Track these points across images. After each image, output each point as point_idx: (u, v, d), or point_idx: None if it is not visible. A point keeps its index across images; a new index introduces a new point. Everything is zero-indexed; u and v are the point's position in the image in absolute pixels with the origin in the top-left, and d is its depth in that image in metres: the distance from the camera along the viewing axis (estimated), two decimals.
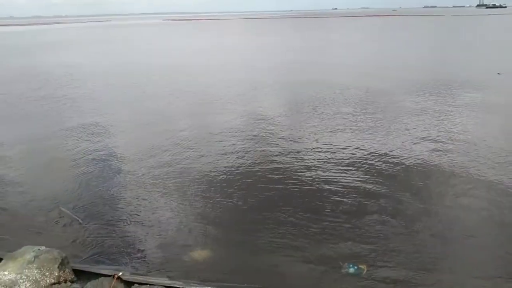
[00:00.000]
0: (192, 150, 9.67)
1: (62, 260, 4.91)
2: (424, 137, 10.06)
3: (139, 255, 5.73)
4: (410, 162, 8.54)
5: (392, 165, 8.44)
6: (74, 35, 71.47)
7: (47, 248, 5.01)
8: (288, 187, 7.64)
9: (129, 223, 6.58)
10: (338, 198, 7.12)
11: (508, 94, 15.27)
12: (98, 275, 5.00)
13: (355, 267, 5.28)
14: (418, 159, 8.70)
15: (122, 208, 7.09)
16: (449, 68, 21.66)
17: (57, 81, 20.32)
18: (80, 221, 6.63)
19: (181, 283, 4.96)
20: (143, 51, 37.68)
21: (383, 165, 8.43)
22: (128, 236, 6.20)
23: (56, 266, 4.80)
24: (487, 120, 11.70)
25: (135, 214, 6.84)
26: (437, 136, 10.11)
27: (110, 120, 12.62)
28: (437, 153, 9.01)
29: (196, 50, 36.68)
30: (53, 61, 29.49)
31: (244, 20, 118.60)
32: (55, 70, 24.06)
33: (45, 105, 14.96)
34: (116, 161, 9.19)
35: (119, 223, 6.61)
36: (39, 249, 4.95)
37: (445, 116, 11.95)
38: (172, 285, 4.88)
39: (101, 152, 9.73)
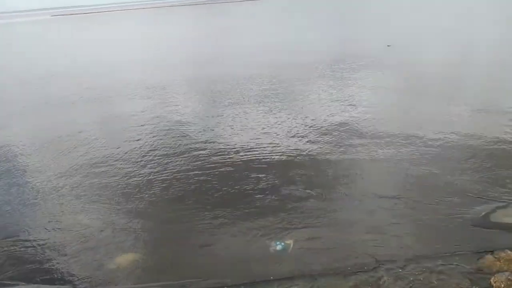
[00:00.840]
0: (102, 150, 9.17)
1: None
2: (331, 111, 10.67)
3: (59, 271, 5.31)
4: (320, 138, 8.97)
5: (301, 140, 8.83)
6: None
7: None
8: (207, 173, 7.61)
9: (42, 235, 6.07)
10: (257, 178, 7.28)
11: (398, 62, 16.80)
12: None
13: (282, 244, 5.45)
14: (326, 134, 9.18)
15: (34, 219, 6.54)
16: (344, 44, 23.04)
17: None
18: None
19: None
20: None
21: (294, 142, 8.78)
22: (44, 250, 5.72)
23: None
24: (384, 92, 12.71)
25: (49, 225, 6.33)
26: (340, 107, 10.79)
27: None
28: (344, 125, 9.61)
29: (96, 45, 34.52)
30: None
31: (140, 10, 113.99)
32: None
33: None
34: (21, 171, 8.44)
35: (32, 236, 6.07)
36: None
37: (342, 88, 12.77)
38: None
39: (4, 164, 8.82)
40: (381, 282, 4.63)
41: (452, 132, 8.62)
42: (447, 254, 5.05)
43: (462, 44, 20.37)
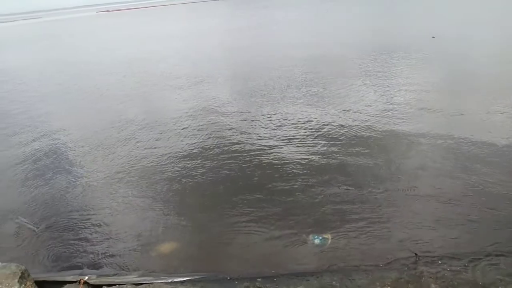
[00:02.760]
0: (144, 143, 9.45)
1: (22, 273, 4.69)
2: (371, 103, 10.45)
3: (103, 256, 5.59)
4: (360, 130, 8.85)
5: (343, 133, 8.71)
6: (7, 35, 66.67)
7: (4, 263, 4.77)
8: (245, 167, 7.69)
9: (88, 225, 6.38)
10: (296, 172, 7.27)
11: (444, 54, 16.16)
12: (62, 283, 4.85)
13: (320, 238, 5.45)
14: (367, 126, 9.04)
15: (79, 211, 6.85)
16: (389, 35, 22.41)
17: None
18: (35, 229, 6.36)
19: (151, 278, 4.92)
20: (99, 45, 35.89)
21: (335, 135, 8.69)
22: (89, 239, 6.03)
23: (16, 280, 4.58)
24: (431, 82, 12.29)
25: (93, 216, 6.64)
26: (384, 102, 10.53)
27: (62, 123, 12.00)
28: (386, 119, 9.40)
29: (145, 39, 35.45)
30: None
31: (183, 5, 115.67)
32: None
33: None
34: (67, 165, 8.81)
35: (77, 226, 6.39)
36: None
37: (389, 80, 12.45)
38: (142, 282, 4.83)
39: (52, 158, 9.28)
40: (421, 279, 4.55)
41: (501, 134, 8.24)
42: (490, 253, 4.88)
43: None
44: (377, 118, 9.52)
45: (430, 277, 4.56)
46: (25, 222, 6.55)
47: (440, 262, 4.80)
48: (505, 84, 11.43)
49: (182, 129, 10.14)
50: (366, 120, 9.42)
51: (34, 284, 4.76)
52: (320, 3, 58.09)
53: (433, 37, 19.76)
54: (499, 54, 15.36)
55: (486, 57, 15.09)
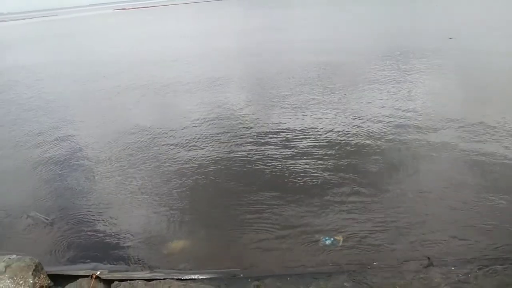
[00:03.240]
0: (158, 140, 9.51)
1: (36, 266, 4.76)
2: (388, 106, 10.35)
3: (115, 252, 5.64)
4: (373, 132, 8.77)
5: (356, 136, 8.64)
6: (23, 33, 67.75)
7: (18, 256, 4.85)
8: (257, 167, 7.68)
9: (101, 220, 6.45)
10: (307, 172, 7.23)
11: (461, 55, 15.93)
12: (75, 277, 4.90)
13: (331, 239, 5.41)
14: (381, 128, 8.95)
15: (92, 205, 6.92)
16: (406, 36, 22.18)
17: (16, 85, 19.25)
18: (46, 221, 6.46)
19: (162, 274, 4.94)
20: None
21: (348, 137, 8.62)
22: (101, 234, 6.09)
23: (30, 273, 4.65)
24: (445, 84, 12.13)
25: (106, 211, 6.71)
26: (400, 105, 10.43)
27: (76, 120, 12.16)
28: (400, 120, 9.30)
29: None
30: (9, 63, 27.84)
31: (195, 4, 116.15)
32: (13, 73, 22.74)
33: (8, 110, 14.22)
34: (79, 158, 8.92)
35: (90, 221, 6.46)
36: (9, 258, 4.77)
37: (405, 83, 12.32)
38: (153, 278, 4.85)
39: (64, 151, 9.40)
40: (433, 283, 4.48)
41: None
42: (504, 258, 4.79)
43: None
44: (392, 122, 9.42)
45: (442, 282, 4.49)
46: (39, 216, 6.64)
47: (453, 267, 4.73)
48: None
49: (193, 126, 10.17)
50: (381, 124, 9.31)
51: (47, 277, 4.83)
52: (327, 4, 57.70)
53: (451, 38, 19.50)
54: None
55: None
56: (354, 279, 4.67)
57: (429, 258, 4.89)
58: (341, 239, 5.41)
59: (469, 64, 14.70)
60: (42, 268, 4.84)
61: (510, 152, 7.34)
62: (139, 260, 5.43)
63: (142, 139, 9.69)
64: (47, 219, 6.54)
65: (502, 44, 17.38)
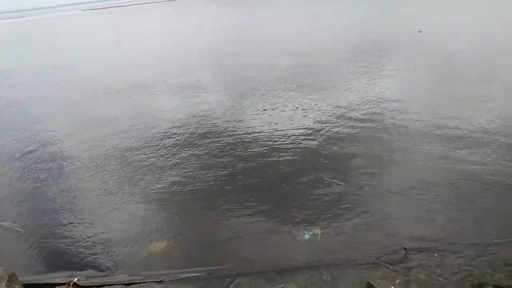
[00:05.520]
0: (134, 139, 9.37)
1: (10, 276, 4.61)
2: (364, 98, 10.51)
3: (92, 257, 5.54)
4: (353, 124, 8.89)
5: (334, 129, 8.75)
6: None
7: None
8: (235, 162, 7.70)
9: (76, 226, 6.32)
10: (285, 169, 7.30)
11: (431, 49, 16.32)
12: (52, 285, 4.80)
13: (310, 233, 5.47)
14: (361, 120, 9.09)
15: (66, 210, 6.79)
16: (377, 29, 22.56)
17: None
18: (19, 229, 6.28)
19: (142, 277, 4.89)
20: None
21: (327, 130, 8.72)
22: (77, 240, 5.96)
23: (4, 284, 4.51)
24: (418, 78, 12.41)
25: (82, 215, 6.58)
26: (375, 96, 10.61)
27: (50, 123, 11.85)
28: (376, 114, 9.47)
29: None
30: None
31: (172, 2, 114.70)
32: None
33: None
34: (52, 161, 8.73)
35: (65, 226, 6.32)
36: None
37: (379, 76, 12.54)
38: (132, 281, 4.80)
39: (36, 154, 9.17)
40: (410, 273, 4.58)
41: (489, 119, 8.36)
42: (482, 244, 4.95)
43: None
44: (369, 114, 9.57)
45: (419, 271, 4.60)
46: (12, 224, 6.45)
47: (429, 254, 4.84)
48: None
49: (173, 127, 10.08)
50: (358, 116, 9.45)
51: (22, 287, 4.69)
52: (314, 3, 58.11)
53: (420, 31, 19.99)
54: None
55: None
56: (333, 273, 4.73)
57: (405, 249, 5.00)
58: (320, 232, 5.47)
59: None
60: (16, 278, 4.70)
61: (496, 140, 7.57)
62: (117, 264, 5.35)
63: (116, 142, 9.54)
64: (19, 228, 6.36)
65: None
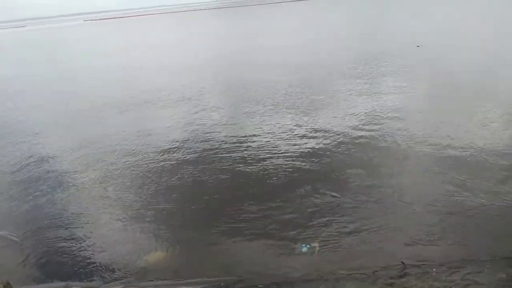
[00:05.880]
0: (130, 154, 9.37)
1: (4, 286, 4.59)
2: (360, 113, 10.55)
3: (89, 267, 5.50)
4: (350, 138, 8.90)
5: (332, 144, 8.75)
6: None
7: None
8: (232, 177, 7.69)
9: (73, 235, 6.29)
10: (284, 182, 7.29)
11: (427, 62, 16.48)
12: None
13: (308, 246, 5.45)
14: (356, 134, 9.10)
15: (64, 221, 6.76)
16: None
17: None
18: (16, 239, 6.24)
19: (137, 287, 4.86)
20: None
21: (324, 145, 8.73)
22: (74, 249, 5.94)
23: None
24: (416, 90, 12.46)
25: (78, 225, 6.56)
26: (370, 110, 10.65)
27: (47, 135, 11.87)
28: (372, 129, 9.48)
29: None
30: None
31: (175, 14, 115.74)
32: None
33: None
34: (50, 173, 8.70)
35: (62, 236, 6.30)
36: None
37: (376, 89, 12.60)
38: None
39: (33, 166, 9.16)
40: (407, 286, 4.56)
41: (484, 138, 8.36)
42: (478, 259, 4.94)
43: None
44: (367, 127, 9.60)
45: (416, 285, 4.59)
46: (8, 234, 6.41)
47: (426, 270, 4.82)
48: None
49: (171, 141, 10.09)
50: (354, 130, 9.48)
51: None
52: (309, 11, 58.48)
53: (418, 46, 20.08)
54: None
55: None
56: (330, 286, 4.70)
57: (403, 263, 4.98)
58: (317, 246, 5.45)
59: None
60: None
61: (488, 158, 7.58)
62: (114, 274, 5.32)
63: (112, 150, 9.55)
64: (16, 237, 6.32)
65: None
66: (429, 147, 8.18)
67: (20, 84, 20.85)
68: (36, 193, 7.85)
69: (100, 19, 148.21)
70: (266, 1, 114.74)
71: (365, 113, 10.62)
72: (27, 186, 8.19)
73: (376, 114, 10.48)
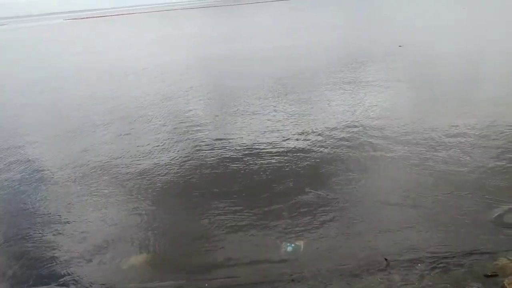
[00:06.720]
0: (114, 151, 9.26)
1: None
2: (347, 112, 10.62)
3: (70, 272, 5.38)
4: (335, 138, 8.93)
5: (316, 142, 8.79)
6: None
7: None
8: (217, 175, 7.67)
9: (55, 237, 6.16)
10: (267, 180, 7.30)
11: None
12: None
13: (293, 245, 5.45)
14: (342, 133, 9.14)
15: (46, 222, 6.63)
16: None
17: None
18: None
19: None
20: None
21: (308, 143, 8.75)
22: (56, 252, 5.81)
23: None
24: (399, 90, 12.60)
25: (61, 227, 6.43)
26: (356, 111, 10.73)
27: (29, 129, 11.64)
28: (357, 128, 9.54)
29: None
30: None
31: (159, 13, 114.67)
32: None
33: None
34: (33, 171, 8.57)
35: (43, 239, 6.17)
36: None
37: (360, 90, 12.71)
38: None
39: (16, 164, 8.98)
40: (392, 283, 4.60)
41: (466, 134, 8.49)
42: (460, 255, 5.00)
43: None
44: (350, 127, 9.66)
45: (400, 281, 4.63)
46: None
47: (409, 266, 4.87)
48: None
49: (153, 135, 10.01)
50: (340, 130, 9.53)
51: None
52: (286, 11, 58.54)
53: (400, 46, 20.27)
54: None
55: None
56: (316, 284, 4.71)
57: (386, 259, 5.02)
58: (302, 244, 5.45)
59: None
60: None
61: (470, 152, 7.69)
62: (95, 279, 5.22)
63: (94, 151, 9.43)
64: None
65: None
66: (412, 141, 8.27)
67: None
68: (12, 196, 7.67)
69: (80, 18, 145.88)
70: (251, 0, 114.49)
71: (346, 113, 10.70)
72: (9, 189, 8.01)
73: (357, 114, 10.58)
